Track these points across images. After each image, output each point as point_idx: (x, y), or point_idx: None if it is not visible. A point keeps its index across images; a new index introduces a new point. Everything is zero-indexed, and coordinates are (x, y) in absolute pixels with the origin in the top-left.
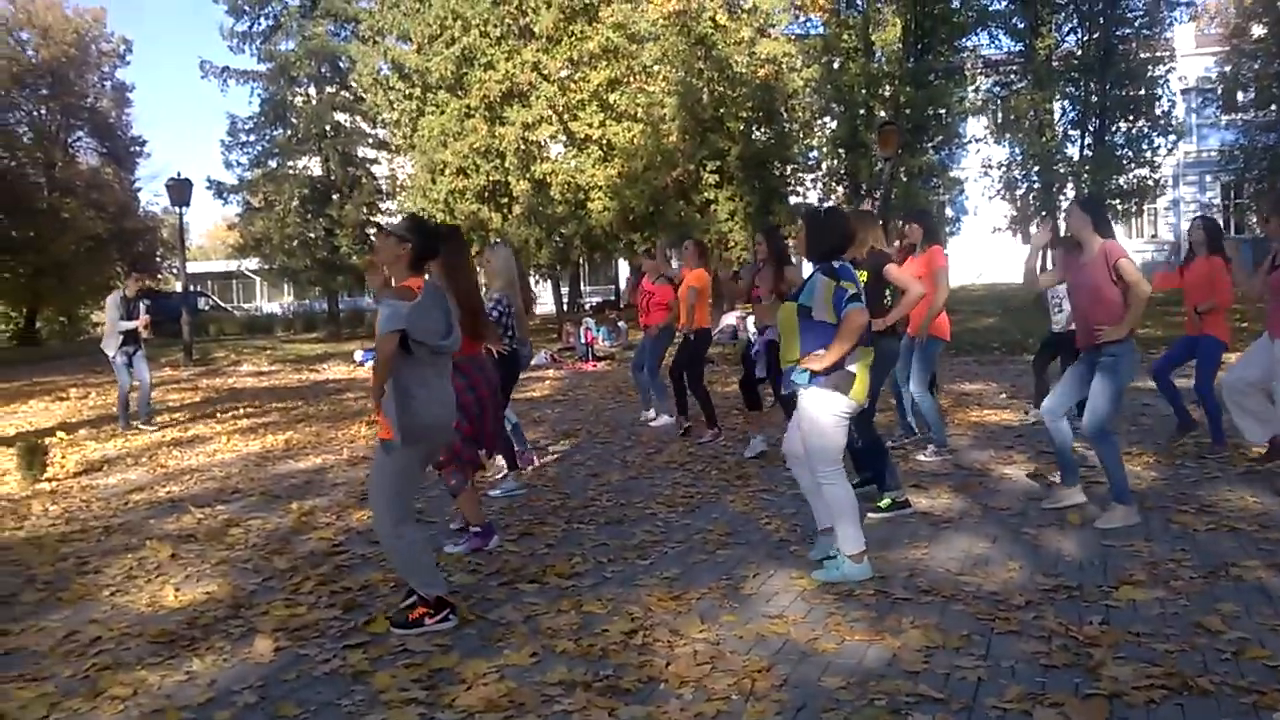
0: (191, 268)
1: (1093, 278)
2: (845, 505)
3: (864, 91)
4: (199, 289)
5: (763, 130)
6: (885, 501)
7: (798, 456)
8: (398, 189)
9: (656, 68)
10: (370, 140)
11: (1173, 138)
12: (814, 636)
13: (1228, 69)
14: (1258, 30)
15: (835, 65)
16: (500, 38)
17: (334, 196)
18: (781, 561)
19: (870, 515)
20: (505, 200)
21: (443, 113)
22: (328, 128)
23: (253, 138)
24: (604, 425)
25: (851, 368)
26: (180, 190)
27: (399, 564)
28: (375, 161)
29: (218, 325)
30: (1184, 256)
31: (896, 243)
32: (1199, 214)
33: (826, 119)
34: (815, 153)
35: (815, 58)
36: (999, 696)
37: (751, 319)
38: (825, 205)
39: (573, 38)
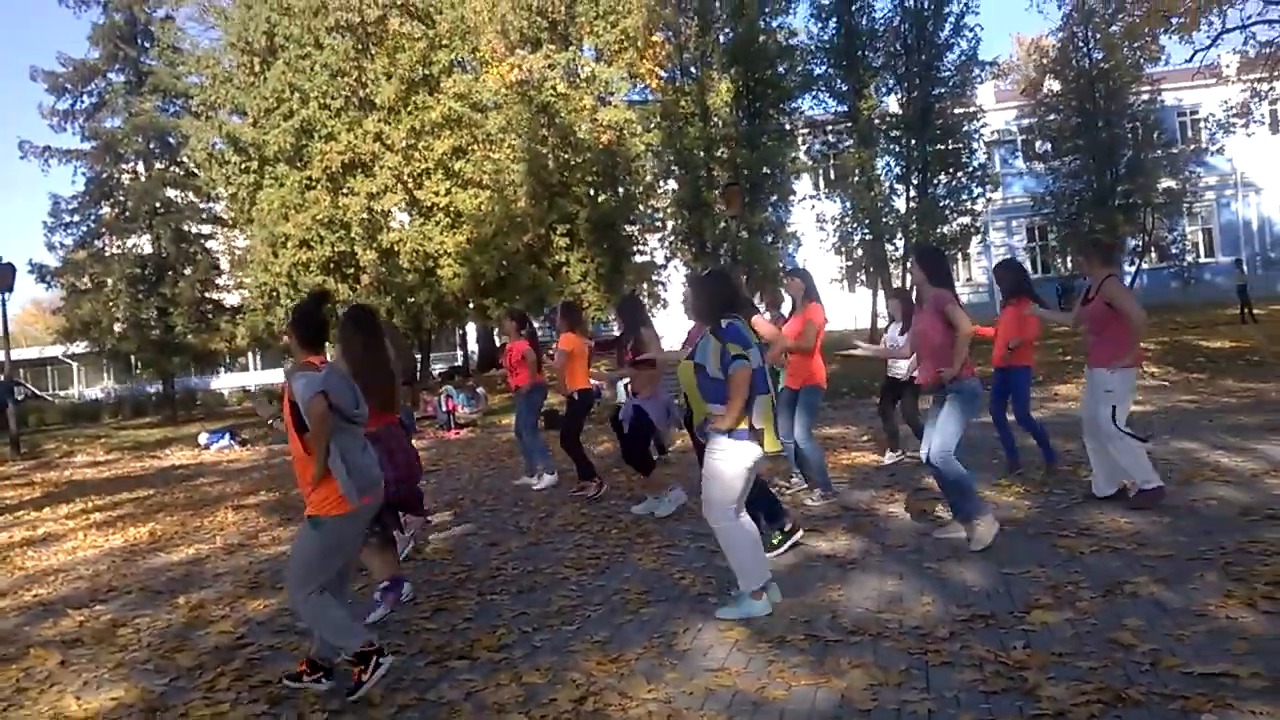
0: None
1: (928, 324)
2: (743, 544)
3: (703, 154)
4: (14, 378)
5: (608, 193)
6: (777, 538)
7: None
8: (236, 264)
9: (501, 135)
10: (204, 215)
11: (989, 187)
12: (761, 685)
13: (1025, 122)
14: (1052, 85)
15: (674, 130)
16: (340, 109)
17: (167, 274)
18: (706, 615)
19: (771, 556)
20: (352, 271)
21: (282, 185)
22: (158, 204)
23: (77, 218)
24: (486, 493)
25: (758, 423)
26: (3, 277)
27: (316, 625)
28: (210, 237)
29: (38, 415)
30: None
31: (758, 294)
32: (1003, 259)
33: (668, 181)
34: (660, 213)
35: (655, 123)
36: None
37: (621, 383)
38: (707, 269)
39: (415, 108)
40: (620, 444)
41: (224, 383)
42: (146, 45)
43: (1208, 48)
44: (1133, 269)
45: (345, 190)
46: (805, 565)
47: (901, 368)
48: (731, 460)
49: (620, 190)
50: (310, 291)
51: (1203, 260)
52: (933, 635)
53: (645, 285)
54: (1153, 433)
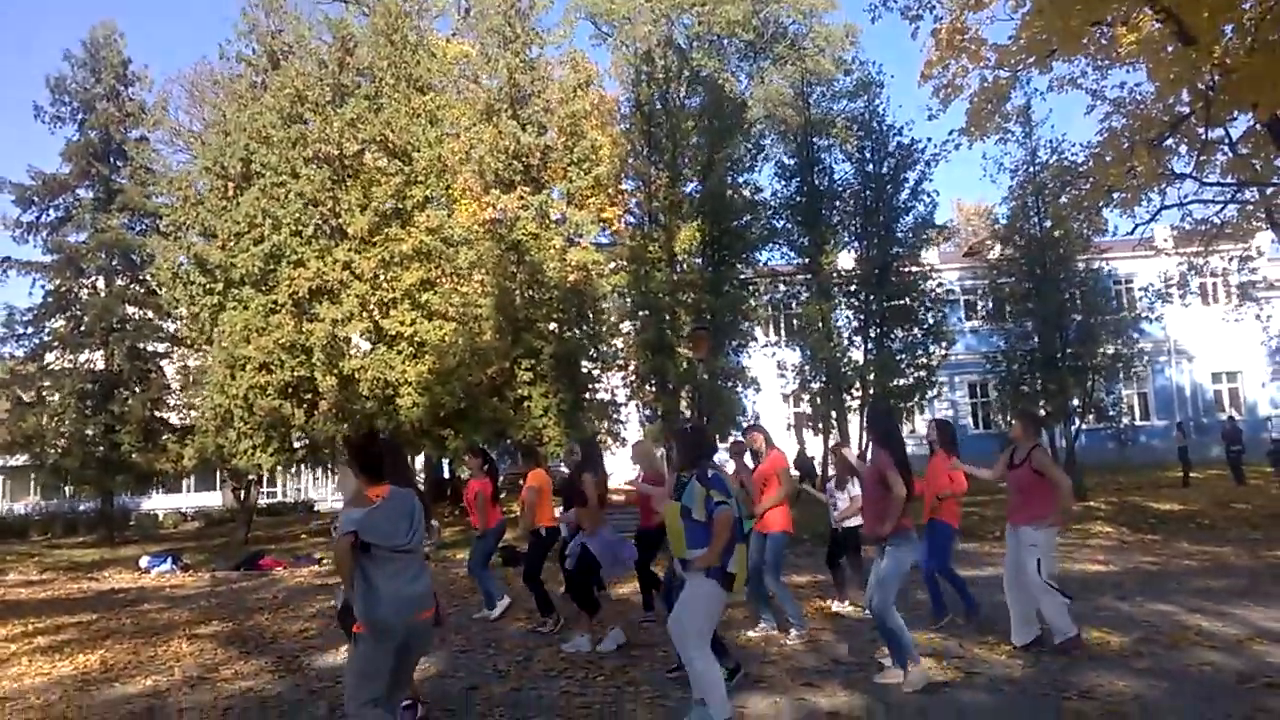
0: None
1: (870, 481)
2: (713, 679)
3: (668, 298)
4: None
5: (573, 331)
6: (723, 674)
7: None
8: (190, 383)
9: (470, 270)
10: (160, 334)
11: (944, 343)
12: None
13: (968, 282)
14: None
15: (641, 273)
16: (312, 237)
17: (116, 391)
18: None
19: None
20: (310, 396)
21: (247, 308)
22: (115, 321)
23: (30, 329)
24: (453, 630)
25: (731, 568)
26: None
27: None
28: (165, 356)
29: None
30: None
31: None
32: (935, 417)
33: (634, 322)
34: (622, 353)
35: (622, 266)
36: None
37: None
38: (690, 423)
39: (386, 239)
40: (565, 580)
41: (158, 503)
42: (119, 164)
43: (1147, 222)
44: (1071, 430)
45: (310, 316)
46: None
47: (849, 520)
48: (710, 598)
49: (584, 328)
50: (359, 430)
51: (1138, 423)
52: None
53: (605, 424)
54: (1072, 594)
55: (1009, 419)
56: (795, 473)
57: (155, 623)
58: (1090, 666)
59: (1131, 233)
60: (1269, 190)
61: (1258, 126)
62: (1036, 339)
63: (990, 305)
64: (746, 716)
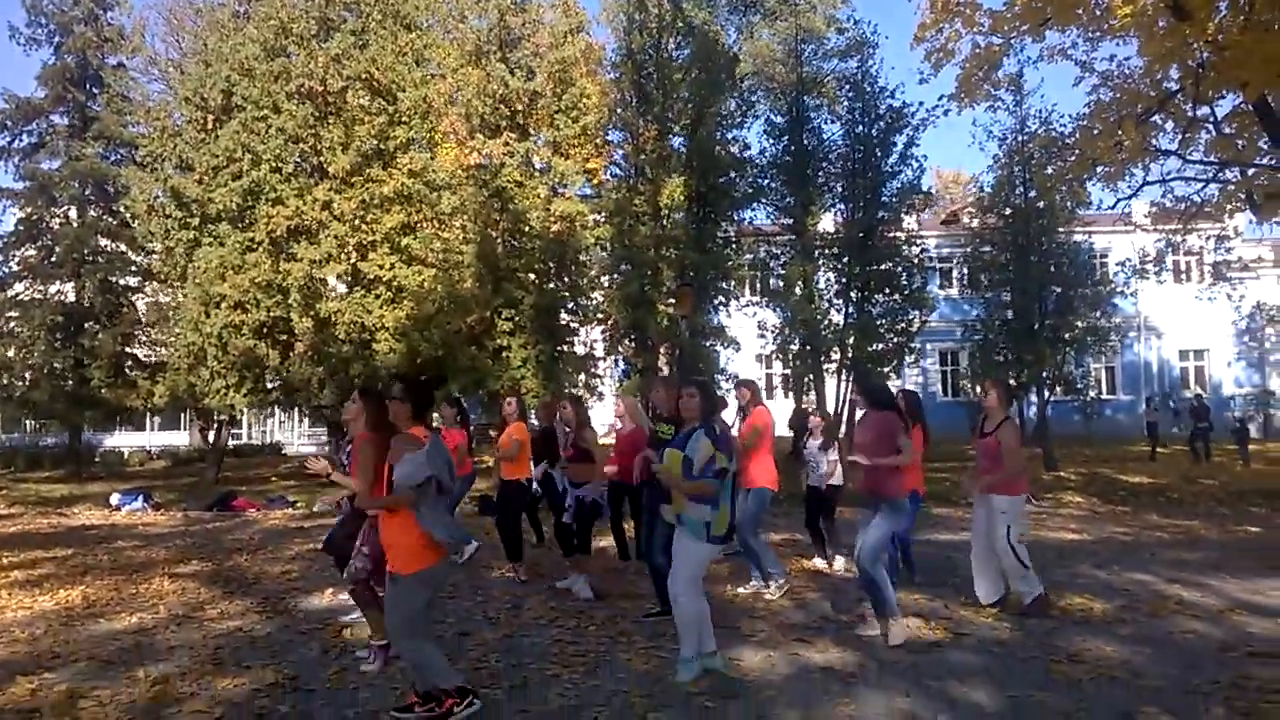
0: None
1: (874, 441)
2: (697, 618)
3: (652, 252)
4: None
5: (555, 282)
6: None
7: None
8: (163, 320)
9: (453, 215)
10: (134, 268)
11: (924, 310)
12: None
13: (945, 250)
14: (985, 219)
15: (626, 226)
16: (292, 174)
17: (87, 325)
18: None
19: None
20: (285, 337)
21: (223, 245)
22: (88, 252)
23: (1, 258)
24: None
25: (714, 527)
26: None
27: (418, 668)
28: (138, 291)
29: None
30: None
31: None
32: (903, 388)
33: (614, 276)
34: (604, 306)
35: (606, 218)
36: None
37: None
38: (701, 379)
39: (367, 180)
40: (557, 530)
41: (122, 441)
42: (95, 91)
43: (1130, 197)
44: (1038, 401)
45: (288, 255)
46: (805, 676)
47: (820, 481)
48: (702, 556)
49: (566, 280)
50: (402, 377)
51: (1104, 397)
52: None
53: (583, 377)
54: (1029, 565)
55: (977, 387)
56: (790, 431)
57: (133, 560)
58: (1075, 631)
59: (1113, 207)
60: (1251, 171)
61: (1244, 106)
62: (1013, 309)
63: (966, 273)
64: (741, 669)
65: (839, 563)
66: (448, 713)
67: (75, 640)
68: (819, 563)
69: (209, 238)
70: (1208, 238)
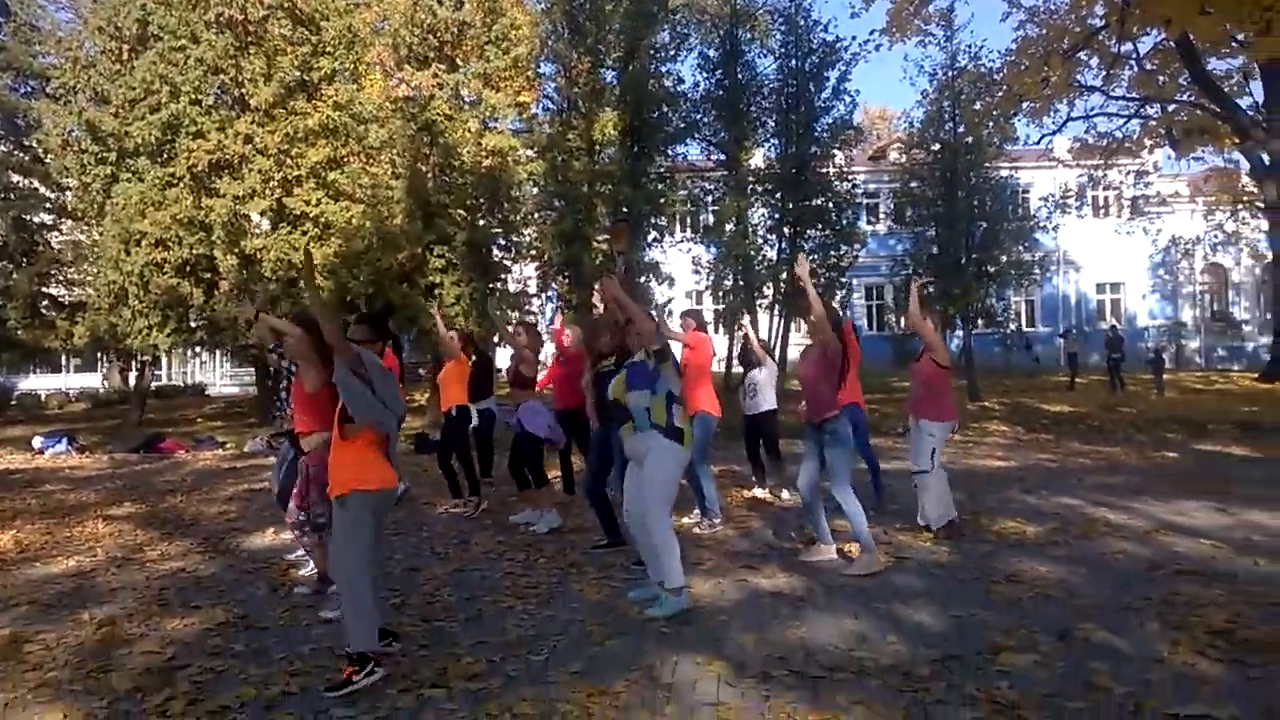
0: None
1: (814, 366)
2: (671, 547)
3: (586, 188)
4: None
5: (487, 219)
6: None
7: (639, 521)
8: (81, 258)
9: (381, 149)
10: (49, 205)
11: (856, 245)
12: None
13: (872, 186)
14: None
15: (559, 161)
16: (212, 107)
17: (0, 264)
18: (677, 648)
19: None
20: (209, 275)
21: (142, 180)
22: None
23: None
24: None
25: (680, 425)
26: None
27: (351, 612)
28: (53, 229)
29: None
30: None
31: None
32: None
33: (547, 212)
34: (537, 242)
35: (539, 153)
36: None
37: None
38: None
39: (291, 113)
40: (512, 461)
41: (37, 383)
42: (1, 20)
43: (1055, 132)
44: (963, 334)
45: (210, 191)
46: (756, 601)
47: (757, 405)
48: (675, 462)
49: (498, 216)
50: (361, 317)
51: (1024, 329)
52: (915, 674)
53: (517, 314)
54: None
55: (902, 320)
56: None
57: (63, 504)
58: (1010, 554)
59: (1038, 142)
60: (1171, 107)
61: (1166, 43)
62: (939, 244)
63: (892, 208)
64: (692, 596)
65: (785, 494)
66: (346, 682)
67: (12, 585)
68: (759, 492)
69: (127, 173)
70: (1127, 173)
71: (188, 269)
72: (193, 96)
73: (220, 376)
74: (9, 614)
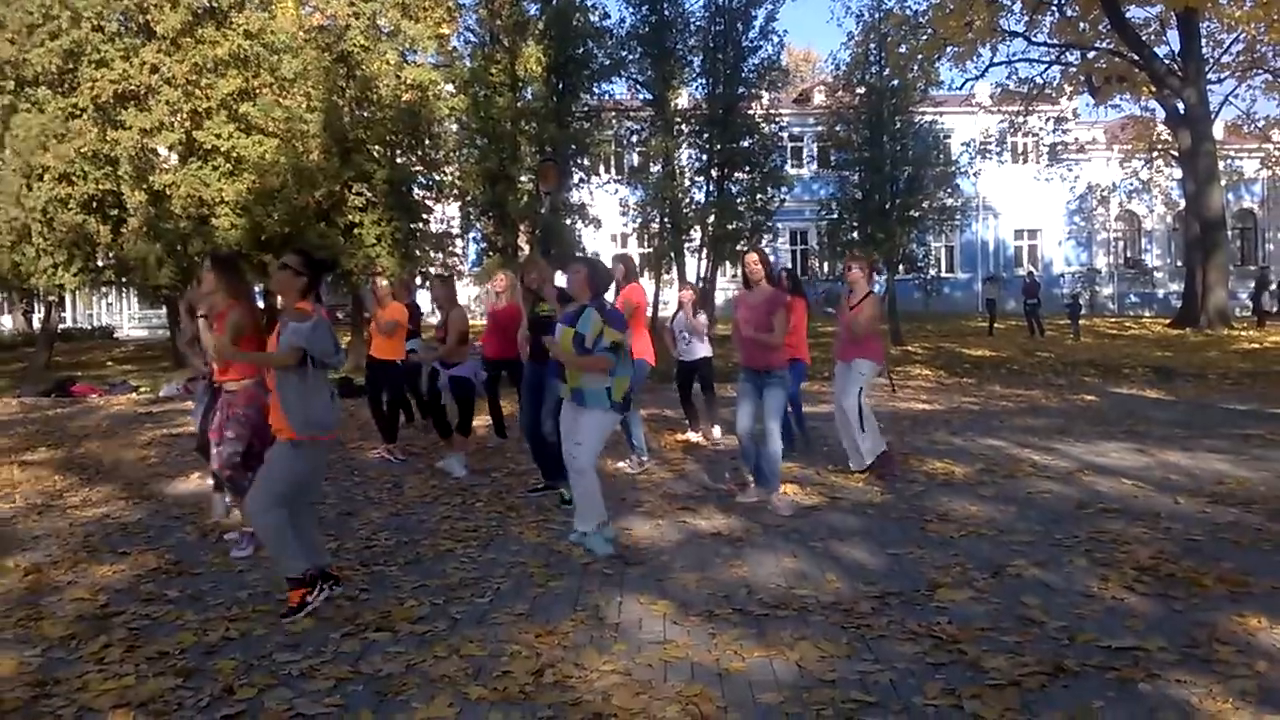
0: None
1: (759, 315)
2: (595, 489)
3: (510, 125)
4: None
5: (407, 156)
6: (567, 495)
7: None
8: None
9: (295, 81)
10: None
11: (783, 188)
12: (715, 658)
13: (796, 129)
14: (821, 96)
15: (482, 97)
16: (116, 34)
17: None
18: (620, 588)
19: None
20: (116, 212)
21: (43, 111)
22: None
23: None
24: None
25: (611, 382)
26: None
27: (269, 542)
28: None
29: None
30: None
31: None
32: (784, 266)
33: (470, 150)
34: (460, 181)
35: (462, 88)
36: (923, 695)
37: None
38: (591, 255)
39: (199, 41)
40: (427, 408)
41: None
42: None
43: (978, 76)
44: (886, 278)
45: (116, 123)
46: (696, 542)
47: (694, 352)
48: (612, 424)
49: (419, 153)
50: (304, 250)
51: (943, 275)
52: (855, 611)
53: (440, 255)
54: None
55: (825, 264)
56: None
57: None
58: (941, 493)
59: (961, 87)
60: (1091, 54)
61: None
62: (864, 188)
63: (816, 152)
64: (632, 538)
65: (716, 432)
66: (300, 605)
67: None
68: (692, 435)
69: (26, 103)
70: (1046, 119)
71: (94, 205)
72: (95, 23)
73: (128, 319)
74: None
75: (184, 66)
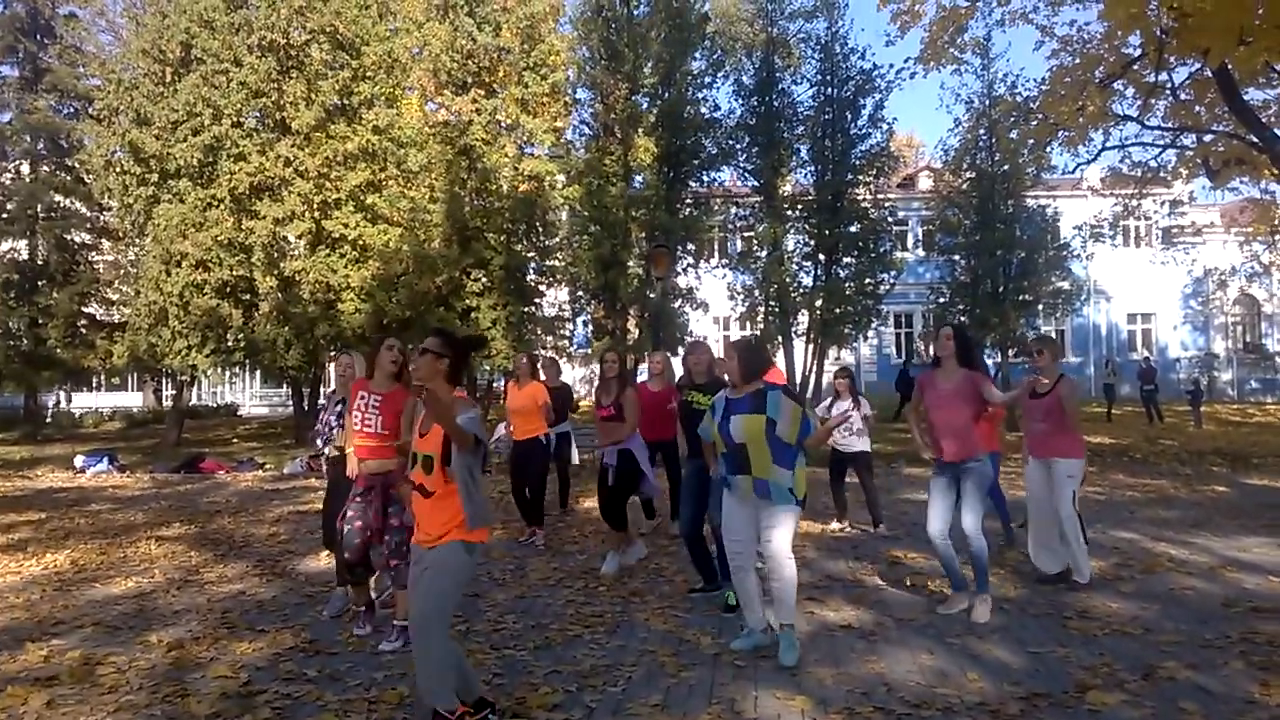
0: None
1: (953, 402)
2: (794, 586)
3: (622, 213)
4: None
5: (523, 242)
6: (732, 600)
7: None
8: (120, 279)
9: (420, 173)
10: (90, 225)
11: (892, 272)
12: None
13: (901, 213)
14: (927, 181)
15: (595, 186)
16: (254, 130)
17: (41, 284)
18: (754, 681)
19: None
20: (248, 297)
21: (183, 201)
22: (41, 209)
23: None
24: None
25: (793, 480)
26: None
27: (432, 667)
28: (94, 248)
29: None
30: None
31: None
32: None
33: (583, 236)
34: (572, 267)
35: (576, 178)
36: None
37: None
38: (751, 335)
39: (331, 136)
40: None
41: (74, 402)
42: (46, 41)
43: (1090, 161)
44: (999, 363)
45: (250, 213)
46: (826, 635)
47: (854, 444)
48: (797, 513)
49: (534, 240)
50: (444, 331)
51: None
52: (1003, 713)
53: (550, 338)
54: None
55: (930, 348)
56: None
57: (112, 524)
58: (1078, 589)
59: (1072, 171)
60: (1207, 137)
61: (1203, 73)
62: (975, 272)
63: (920, 236)
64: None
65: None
66: None
67: (74, 605)
68: (835, 525)
69: (168, 194)
70: (1161, 202)
71: (227, 290)
72: (234, 119)
73: (250, 397)
74: (76, 635)
75: (316, 160)
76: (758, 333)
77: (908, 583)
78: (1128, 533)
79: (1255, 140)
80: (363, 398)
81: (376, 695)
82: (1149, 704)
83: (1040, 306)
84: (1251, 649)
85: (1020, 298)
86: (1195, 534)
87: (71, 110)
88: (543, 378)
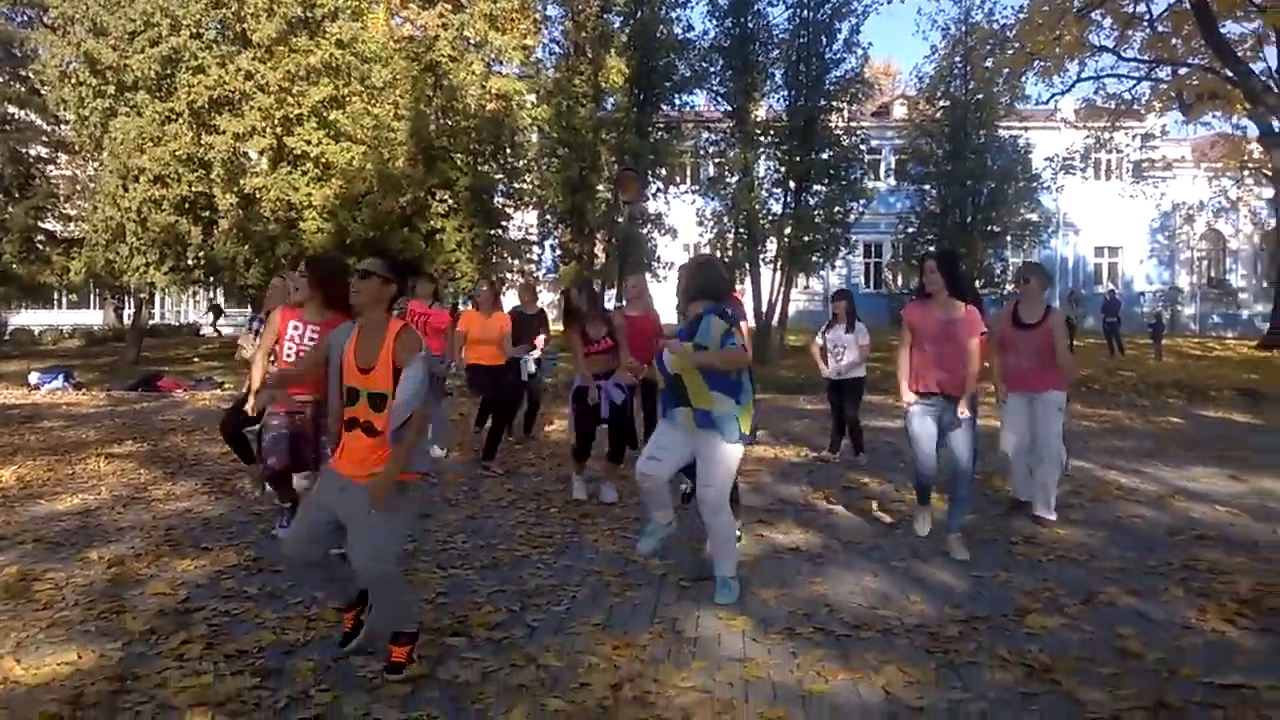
0: None
1: (949, 336)
2: (731, 533)
3: (591, 135)
4: None
5: (490, 164)
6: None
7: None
8: (77, 193)
9: (384, 89)
10: (46, 138)
11: (862, 200)
12: (798, 679)
13: (874, 142)
14: (901, 109)
15: (565, 107)
16: (213, 41)
17: None
18: (696, 602)
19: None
20: (208, 214)
21: (141, 115)
22: None
23: None
24: None
25: (739, 410)
26: None
27: (392, 597)
28: (50, 162)
29: None
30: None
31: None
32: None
33: (551, 159)
34: (540, 190)
35: (545, 99)
36: None
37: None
38: (704, 255)
39: (293, 50)
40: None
41: (30, 319)
42: None
43: (1065, 91)
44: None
45: (210, 128)
46: (773, 557)
47: (849, 371)
48: (738, 453)
49: (501, 161)
50: (386, 251)
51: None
52: (941, 635)
53: (517, 261)
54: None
55: (898, 277)
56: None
57: (63, 440)
58: (1027, 516)
59: (1047, 101)
60: (1182, 71)
61: (1183, 4)
62: (945, 202)
63: (893, 165)
64: (708, 552)
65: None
66: (409, 660)
67: (17, 521)
68: (829, 455)
69: (126, 107)
70: (1133, 136)
71: (186, 206)
72: (194, 30)
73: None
74: (15, 551)
75: (277, 74)
76: (728, 255)
77: (860, 507)
78: (1080, 461)
79: (1230, 74)
80: (296, 328)
81: (316, 613)
82: (1087, 628)
83: (1009, 238)
84: (1192, 575)
85: (989, 228)
86: (1147, 463)
87: (25, 18)
88: (518, 302)
